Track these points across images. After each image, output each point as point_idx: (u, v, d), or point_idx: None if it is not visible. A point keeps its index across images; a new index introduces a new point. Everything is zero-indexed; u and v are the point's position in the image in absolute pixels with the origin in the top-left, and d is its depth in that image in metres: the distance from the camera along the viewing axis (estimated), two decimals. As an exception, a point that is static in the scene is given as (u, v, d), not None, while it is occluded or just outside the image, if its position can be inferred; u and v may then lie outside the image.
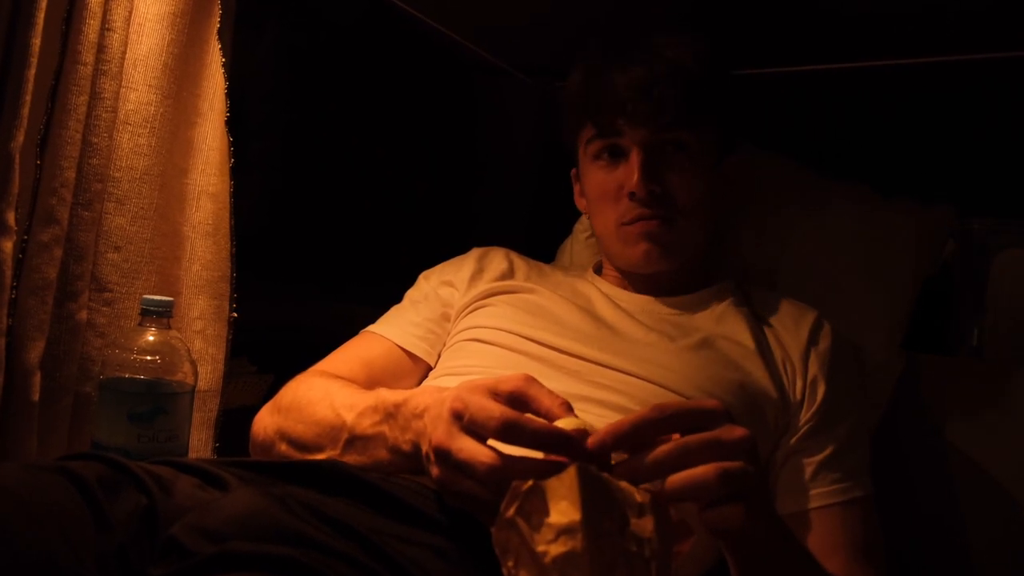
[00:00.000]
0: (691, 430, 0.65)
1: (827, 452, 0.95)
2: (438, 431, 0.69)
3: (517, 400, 0.69)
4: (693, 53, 1.04)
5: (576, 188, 1.18)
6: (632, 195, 1.02)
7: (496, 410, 0.66)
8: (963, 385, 1.17)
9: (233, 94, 1.08)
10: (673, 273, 1.08)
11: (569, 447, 0.64)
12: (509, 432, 0.65)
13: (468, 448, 0.66)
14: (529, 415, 0.66)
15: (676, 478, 0.63)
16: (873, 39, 1.31)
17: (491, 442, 0.67)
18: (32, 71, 0.87)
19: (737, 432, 0.66)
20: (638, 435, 0.65)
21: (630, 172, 1.02)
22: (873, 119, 1.42)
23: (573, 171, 1.17)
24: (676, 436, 0.66)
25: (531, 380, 0.70)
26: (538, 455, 0.66)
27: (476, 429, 0.67)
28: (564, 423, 0.66)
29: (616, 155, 1.06)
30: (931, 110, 1.38)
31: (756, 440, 0.67)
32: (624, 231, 1.05)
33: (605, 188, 1.06)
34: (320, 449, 0.86)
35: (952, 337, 1.29)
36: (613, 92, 1.03)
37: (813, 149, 1.41)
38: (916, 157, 1.38)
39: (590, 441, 0.64)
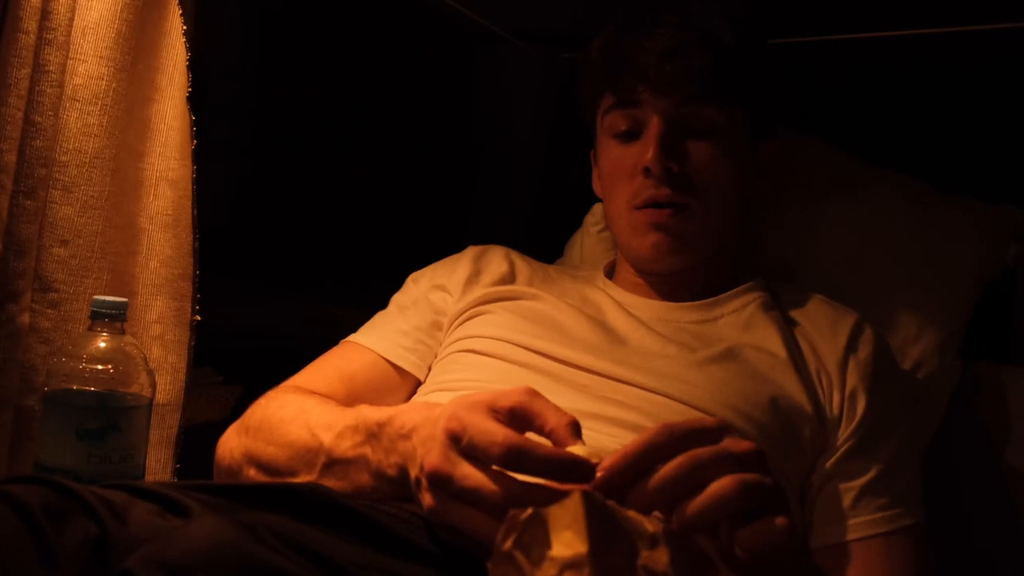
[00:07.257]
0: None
1: (870, 475, 0.96)
2: (432, 455, 0.69)
3: (519, 416, 0.70)
4: (728, 21, 1.05)
5: (595, 171, 1.19)
6: (647, 171, 1.03)
7: (499, 433, 0.66)
8: (1027, 398, 1.17)
9: (195, 67, 1.08)
10: (693, 273, 1.08)
11: (581, 476, 0.64)
12: (514, 459, 0.65)
13: (474, 476, 0.66)
14: (535, 440, 0.67)
15: (695, 503, 0.64)
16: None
17: (496, 468, 0.67)
18: (-33, 42, 0.87)
19: (744, 444, 0.67)
20: (646, 462, 0.65)
21: (646, 145, 1.03)
22: (923, 98, 1.41)
23: (592, 151, 1.18)
24: None
25: (534, 394, 0.71)
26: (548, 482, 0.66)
27: (476, 454, 0.67)
28: (575, 451, 0.66)
29: (635, 128, 1.07)
30: (990, 87, 1.38)
31: (764, 453, 0.68)
32: (633, 217, 1.06)
33: (619, 165, 1.07)
34: (294, 474, 0.86)
35: (1014, 344, 1.29)
36: (635, 56, 1.04)
37: (855, 133, 1.40)
38: (970, 141, 1.38)
39: (597, 478, 0.65)
